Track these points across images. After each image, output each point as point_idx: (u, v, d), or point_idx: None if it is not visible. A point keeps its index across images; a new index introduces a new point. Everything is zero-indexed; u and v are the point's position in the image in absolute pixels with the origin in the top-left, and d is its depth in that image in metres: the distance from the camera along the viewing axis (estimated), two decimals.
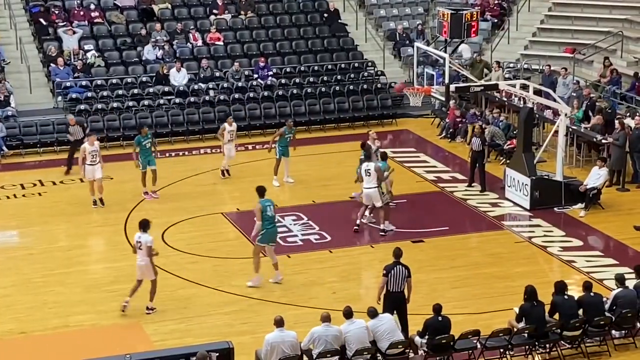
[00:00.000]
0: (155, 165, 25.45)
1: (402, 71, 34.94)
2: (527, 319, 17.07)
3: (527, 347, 17.28)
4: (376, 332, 16.48)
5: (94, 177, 24.80)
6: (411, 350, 16.81)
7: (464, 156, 28.55)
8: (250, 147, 29.75)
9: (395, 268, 17.43)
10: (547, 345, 17.42)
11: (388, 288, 17.41)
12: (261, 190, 20.37)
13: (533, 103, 25.69)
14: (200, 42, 33.76)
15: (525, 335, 17.11)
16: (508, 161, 26.39)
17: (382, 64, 34.61)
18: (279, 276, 20.36)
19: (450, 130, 30.51)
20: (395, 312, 17.26)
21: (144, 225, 19.06)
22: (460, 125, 30.25)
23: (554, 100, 25.77)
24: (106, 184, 25.86)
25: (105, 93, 31.29)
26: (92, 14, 34.02)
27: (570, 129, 26.66)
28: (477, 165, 26.06)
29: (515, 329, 17.08)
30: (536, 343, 17.27)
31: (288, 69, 33.46)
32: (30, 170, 28.20)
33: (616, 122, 26.36)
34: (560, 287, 17.46)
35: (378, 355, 16.55)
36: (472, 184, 26.24)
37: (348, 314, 16.45)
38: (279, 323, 16.12)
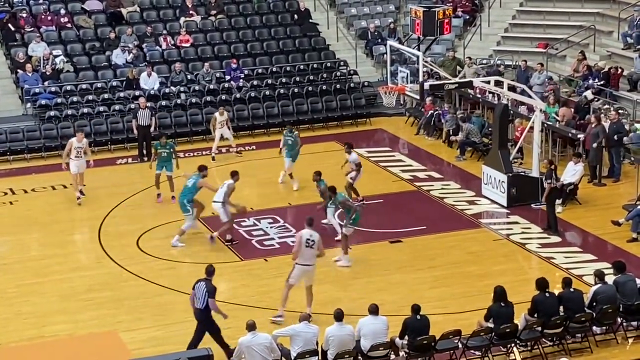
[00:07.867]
0: (172, 172, 25.34)
1: (374, 70, 34.81)
2: (495, 320, 16.96)
3: (508, 346, 17.17)
4: (364, 327, 16.44)
5: None
6: (393, 352, 16.68)
7: (439, 154, 28.49)
8: (223, 150, 29.46)
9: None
10: (529, 344, 17.32)
11: None
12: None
13: (508, 99, 25.61)
14: (170, 44, 33.41)
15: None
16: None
17: (354, 63, 34.43)
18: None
19: (423, 125, 30.29)
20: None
21: None
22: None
23: (529, 96, 25.69)
24: None
25: (75, 99, 30.92)
26: (61, 19, 33.66)
27: (545, 125, 26.56)
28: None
29: (480, 327, 16.96)
30: (516, 341, 17.17)
31: (260, 70, 33.20)
32: (1, 179, 27.80)
33: (593, 117, 26.28)
34: (542, 284, 17.37)
35: (359, 357, 16.44)
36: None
37: (338, 316, 16.42)
38: (251, 327, 16.17)
